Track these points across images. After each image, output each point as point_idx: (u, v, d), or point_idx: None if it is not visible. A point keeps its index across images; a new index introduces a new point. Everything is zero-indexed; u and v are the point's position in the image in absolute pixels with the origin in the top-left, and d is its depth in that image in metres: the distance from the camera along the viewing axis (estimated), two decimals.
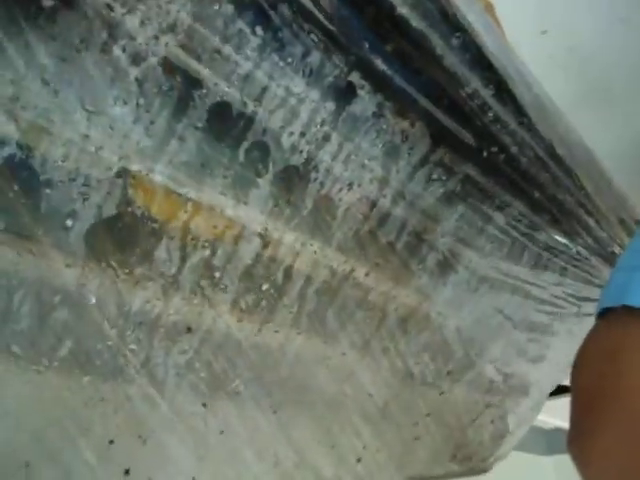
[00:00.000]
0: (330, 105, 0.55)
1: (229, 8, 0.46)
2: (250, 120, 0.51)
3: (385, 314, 0.71)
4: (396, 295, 0.71)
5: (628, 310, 0.37)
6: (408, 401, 0.82)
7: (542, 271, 0.94)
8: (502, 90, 0.65)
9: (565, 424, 0.42)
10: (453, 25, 0.57)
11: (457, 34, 0.58)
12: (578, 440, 0.37)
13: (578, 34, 0.70)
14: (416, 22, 0.55)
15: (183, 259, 0.55)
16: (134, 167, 0.48)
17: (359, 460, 0.79)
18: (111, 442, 0.54)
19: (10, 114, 0.42)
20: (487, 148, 0.69)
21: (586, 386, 0.39)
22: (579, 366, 0.41)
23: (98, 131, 0.46)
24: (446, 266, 0.76)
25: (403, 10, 0.53)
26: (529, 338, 1.03)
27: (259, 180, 0.54)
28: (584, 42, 0.73)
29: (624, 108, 0.83)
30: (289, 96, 0.52)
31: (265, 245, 0.58)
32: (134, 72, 0.45)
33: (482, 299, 0.88)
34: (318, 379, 0.71)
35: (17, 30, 0.40)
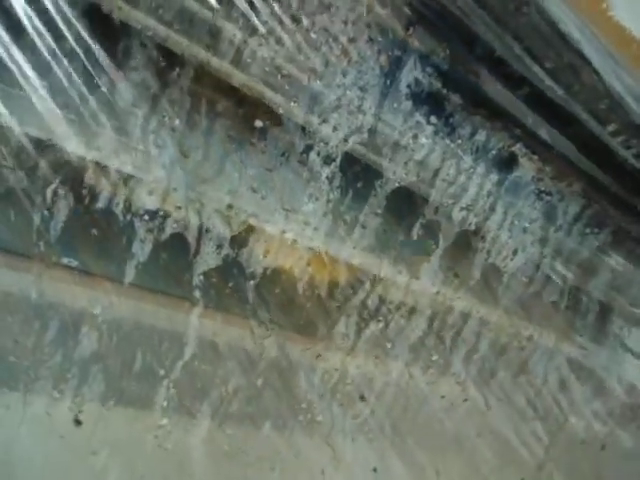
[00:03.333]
0: (494, 176, 0.56)
1: (408, 104, 0.49)
2: (424, 201, 0.54)
3: (546, 376, 0.70)
4: (558, 355, 0.69)
5: None
6: (572, 462, 0.78)
7: None
8: None
9: None
10: (602, 94, 0.58)
11: (605, 100, 0.58)
12: None
13: None
14: (566, 94, 0.56)
15: (359, 333, 0.58)
16: (323, 255, 0.52)
17: None
18: None
19: (226, 220, 0.48)
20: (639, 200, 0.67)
21: None
22: None
23: (294, 226, 0.50)
24: (604, 317, 0.73)
25: (552, 83, 0.54)
26: None
27: (430, 256, 0.56)
28: None
29: None
30: (459, 174, 0.54)
31: (434, 316, 0.59)
32: (326, 172, 0.49)
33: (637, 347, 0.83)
34: (482, 444, 0.70)
35: (238, 148, 0.46)
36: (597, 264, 0.69)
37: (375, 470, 0.65)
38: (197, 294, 0.47)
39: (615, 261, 0.70)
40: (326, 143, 0.48)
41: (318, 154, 0.48)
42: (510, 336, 0.65)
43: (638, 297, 0.76)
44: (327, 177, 0.50)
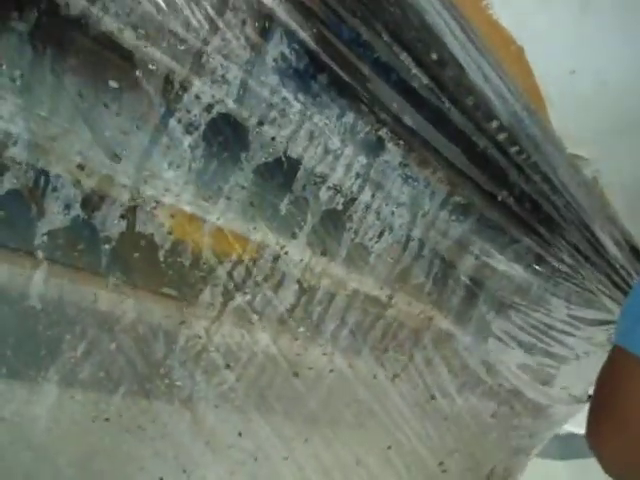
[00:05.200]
0: (362, 159, 0.59)
1: (274, 79, 0.50)
2: (292, 177, 0.55)
3: (412, 354, 0.75)
4: (424, 334, 0.74)
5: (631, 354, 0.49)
6: (435, 436, 0.85)
7: (549, 298, 0.96)
8: (509, 141, 0.68)
9: (577, 429, 0.53)
10: (466, 88, 0.61)
11: (470, 97, 0.62)
12: (595, 431, 0.55)
13: (605, 73, 0.73)
14: (433, 85, 0.59)
15: (225, 303, 0.59)
16: (186, 224, 0.52)
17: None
18: (161, 479, 0.58)
19: (76, 180, 0.46)
20: (499, 192, 0.73)
21: (602, 398, 0.54)
22: (599, 382, 0.55)
23: (153, 193, 0.50)
24: (470, 302, 0.79)
25: (421, 76, 0.57)
26: (540, 362, 1.05)
27: (298, 232, 0.58)
28: (611, 81, 0.75)
29: None
30: (327, 153, 0.56)
31: (303, 291, 0.61)
32: (188, 140, 0.49)
33: (499, 331, 0.90)
34: (348, 413, 0.74)
35: (90, 108, 0.44)
36: (462, 251, 0.74)
37: (240, 434, 0.66)
38: (40, 254, 0.45)
39: (479, 248, 0.75)
40: (188, 111, 0.48)
41: (179, 121, 0.48)
42: (377, 314, 0.68)
43: (501, 284, 0.82)
44: (189, 145, 0.49)
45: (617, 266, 0.95)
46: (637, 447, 0.51)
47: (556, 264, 0.87)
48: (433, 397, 0.83)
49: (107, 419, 0.55)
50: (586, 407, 0.56)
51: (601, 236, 0.89)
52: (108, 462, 0.57)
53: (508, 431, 1.01)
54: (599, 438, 0.54)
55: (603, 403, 0.54)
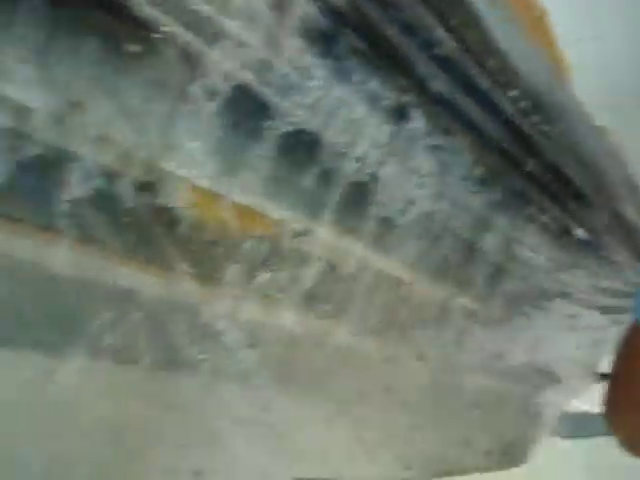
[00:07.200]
0: (387, 127, 0.56)
1: (299, 42, 0.48)
2: (316, 148, 0.53)
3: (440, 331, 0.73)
4: (453, 306, 0.72)
5: None
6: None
7: (576, 269, 0.94)
8: (537, 108, 0.66)
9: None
10: (490, 51, 0.59)
11: (493, 60, 0.59)
12: (613, 410, 0.53)
13: (630, 40, 0.71)
14: (458, 50, 0.56)
15: (248, 281, 0.57)
16: (209, 197, 0.50)
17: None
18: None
19: (98, 150, 0.45)
20: (528, 160, 0.71)
21: (621, 376, 0.53)
22: (618, 359, 0.53)
23: (175, 164, 0.48)
24: (497, 275, 0.77)
25: (446, 38, 0.55)
26: (563, 333, 1.03)
27: (324, 206, 0.56)
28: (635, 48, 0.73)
29: None
30: (351, 122, 0.54)
31: (331, 268, 0.59)
32: (209, 107, 0.47)
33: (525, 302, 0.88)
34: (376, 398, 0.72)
35: (105, 73, 0.42)
36: (488, 222, 0.72)
37: (265, 410, 0.65)
38: (62, 223, 0.43)
39: (505, 220, 0.73)
40: (209, 76, 0.46)
41: (201, 87, 0.46)
42: (404, 291, 0.66)
43: (527, 254, 0.80)
44: (212, 112, 0.47)
45: None
46: None
47: (581, 235, 0.85)
48: (455, 377, 0.81)
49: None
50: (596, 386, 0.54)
51: (627, 207, 0.87)
52: None
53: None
54: (617, 417, 0.52)
55: (622, 381, 0.52)
